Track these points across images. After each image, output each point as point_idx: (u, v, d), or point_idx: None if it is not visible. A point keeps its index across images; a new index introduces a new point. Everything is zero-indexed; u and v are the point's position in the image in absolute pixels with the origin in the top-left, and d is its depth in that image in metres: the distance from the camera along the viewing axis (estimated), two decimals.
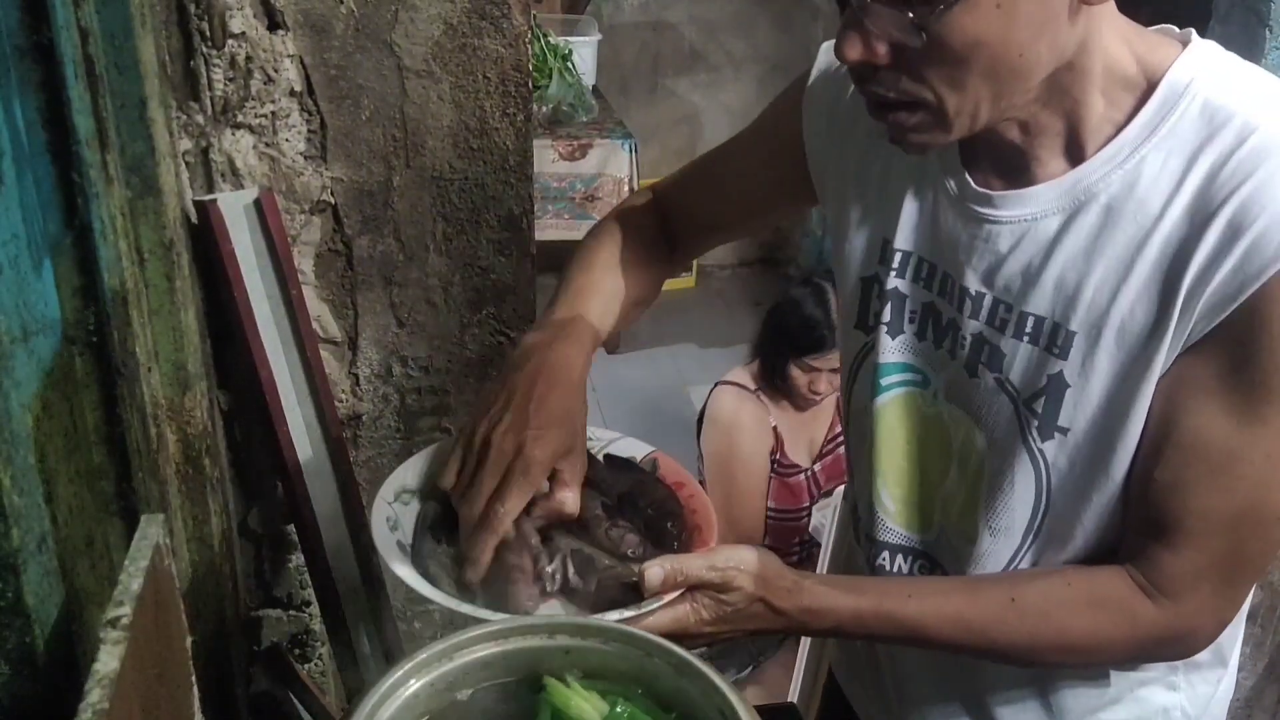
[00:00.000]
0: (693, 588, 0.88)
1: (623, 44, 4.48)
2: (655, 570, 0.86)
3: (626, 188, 3.62)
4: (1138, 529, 0.89)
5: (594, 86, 3.89)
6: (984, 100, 0.81)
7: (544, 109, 3.57)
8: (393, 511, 0.96)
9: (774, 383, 2.39)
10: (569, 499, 0.91)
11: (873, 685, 1.14)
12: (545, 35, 3.62)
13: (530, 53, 1.41)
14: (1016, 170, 0.90)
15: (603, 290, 1.08)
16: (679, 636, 0.88)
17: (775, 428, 2.39)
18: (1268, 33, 1.58)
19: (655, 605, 0.86)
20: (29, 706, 0.66)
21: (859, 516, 1.07)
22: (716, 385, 2.44)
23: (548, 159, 3.50)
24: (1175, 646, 0.93)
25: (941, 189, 0.94)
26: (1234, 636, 1.02)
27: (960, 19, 0.75)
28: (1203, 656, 0.97)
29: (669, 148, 4.71)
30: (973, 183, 0.92)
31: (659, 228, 1.18)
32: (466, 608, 0.86)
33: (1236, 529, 0.86)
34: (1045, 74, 0.82)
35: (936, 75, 0.79)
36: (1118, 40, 0.85)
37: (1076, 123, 0.86)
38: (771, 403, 2.41)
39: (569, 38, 3.74)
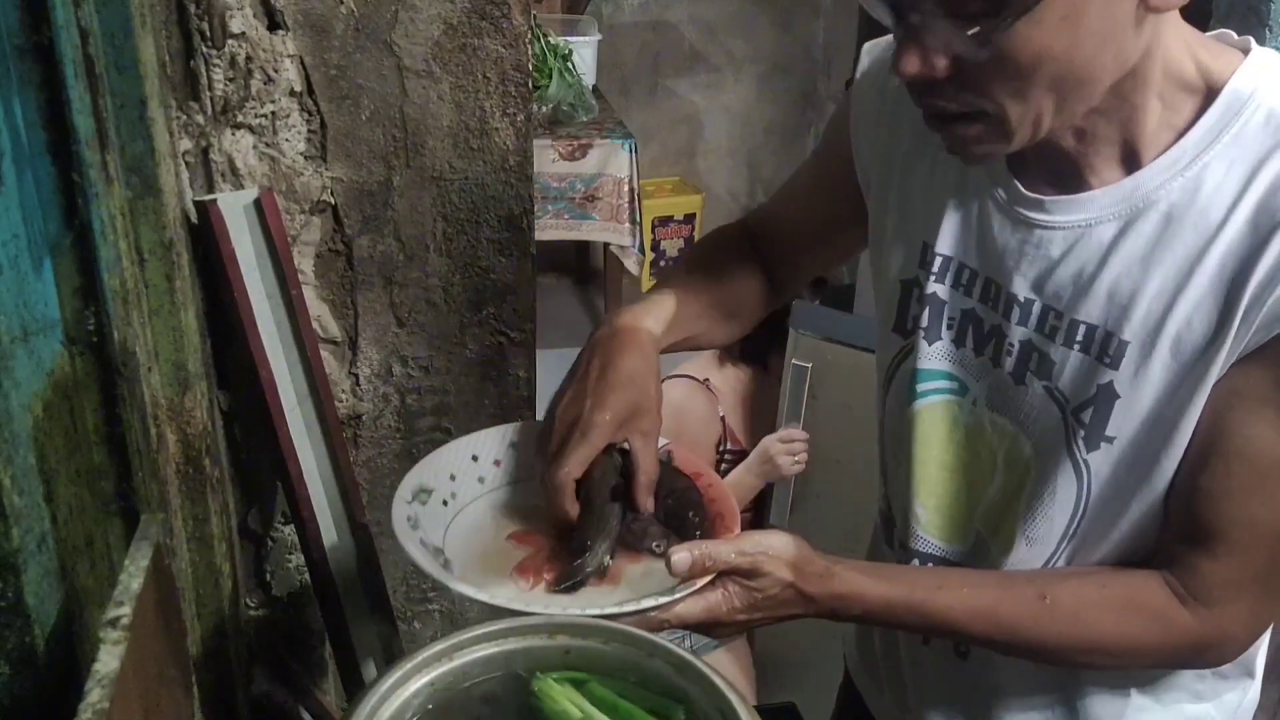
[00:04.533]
0: (722, 574, 0.87)
1: (623, 44, 4.49)
2: (683, 555, 0.85)
3: (626, 188, 3.62)
4: (1178, 536, 0.88)
5: (594, 86, 3.89)
6: (1046, 111, 0.79)
7: (544, 109, 3.57)
8: (412, 511, 0.96)
9: (766, 359, 2.42)
10: (641, 460, 0.95)
11: (891, 687, 1.13)
12: (545, 35, 3.62)
13: (530, 53, 1.41)
14: (1068, 177, 0.88)
15: (683, 285, 1.11)
16: (712, 625, 0.88)
17: (724, 418, 2.42)
18: (1268, 32, 1.58)
19: (686, 593, 0.86)
20: (29, 706, 0.66)
21: (893, 522, 1.06)
22: (665, 380, 2.48)
23: (548, 159, 3.50)
24: (1207, 655, 0.92)
25: (988, 196, 0.93)
26: (1261, 647, 1.01)
27: (1025, 32, 0.73)
28: (1228, 667, 0.96)
29: (669, 148, 4.71)
30: (1021, 187, 0.90)
31: (749, 249, 1.18)
32: (500, 599, 0.86)
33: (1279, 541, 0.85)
34: (1110, 82, 0.80)
35: (1000, 88, 0.78)
36: (1179, 45, 0.83)
37: (1133, 130, 0.85)
38: (723, 391, 2.44)
39: (569, 38, 3.74)
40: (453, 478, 1.02)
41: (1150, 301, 0.84)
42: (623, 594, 0.89)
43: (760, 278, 1.18)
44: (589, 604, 0.86)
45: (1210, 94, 0.83)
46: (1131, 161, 0.86)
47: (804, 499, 2.35)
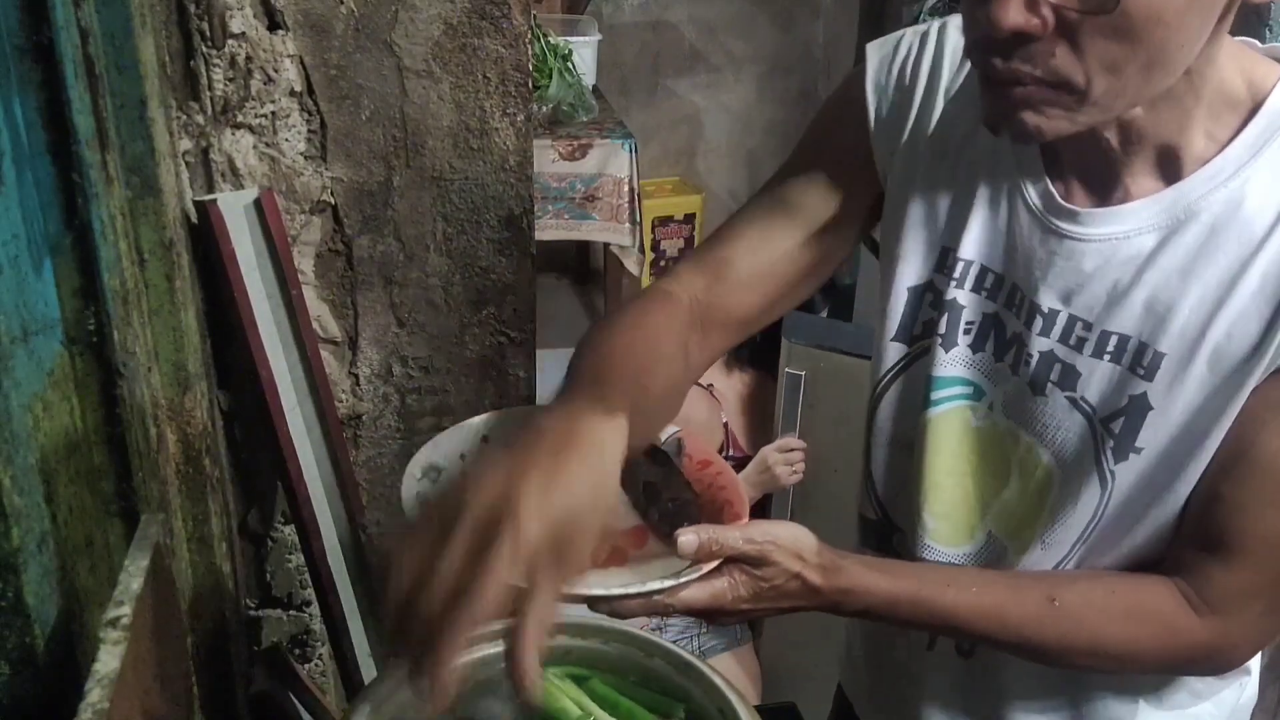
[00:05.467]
0: (728, 561, 0.86)
1: (623, 44, 4.48)
2: (689, 538, 0.83)
3: (626, 188, 3.62)
4: (1193, 543, 0.87)
5: (594, 86, 3.89)
6: (1127, 90, 0.77)
7: (544, 109, 3.56)
8: (422, 488, 0.96)
9: (774, 364, 2.41)
10: (536, 603, 0.65)
11: (891, 698, 1.12)
12: (545, 35, 3.62)
13: (530, 53, 1.41)
14: (1105, 183, 0.87)
15: (626, 365, 0.88)
16: (715, 612, 0.87)
17: (726, 424, 2.42)
18: (1268, 32, 1.58)
19: (692, 577, 0.85)
20: (29, 706, 0.66)
21: (885, 529, 1.05)
22: None
23: (548, 159, 3.50)
24: (1210, 664, 0.92)
25: (1019, 198, 0.91)
26: None
27: None
28: None
29: (669, 148, 4.71)
30: (1057, 195, 0.89)
31: (685, 310, 1.00)
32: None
33: None
34: (1179, 75, 0.79)
35: (1100, 53, 0.74)
36: (1228, 56, 0.82)
37: (1177, 137, 0.83)
38: (728, 396, 2.44)
39: (569, 38, 3.74)
40: (463, 458, 1.02)
41: (1189, 314, 0.83)
42: (626, 577, 0.89)
43: (684, 351, 0.98)
44: (593, 586, 0.86)
45: (1253, 106, 0.83)
46: (1170, 171, 0.85)
47: (802, 509, 2.35)
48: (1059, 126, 0.79)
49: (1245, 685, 1.02)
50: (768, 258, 1.02)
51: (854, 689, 1.19)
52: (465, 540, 0.64)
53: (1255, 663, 1.03)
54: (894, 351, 1.00)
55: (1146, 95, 0.79)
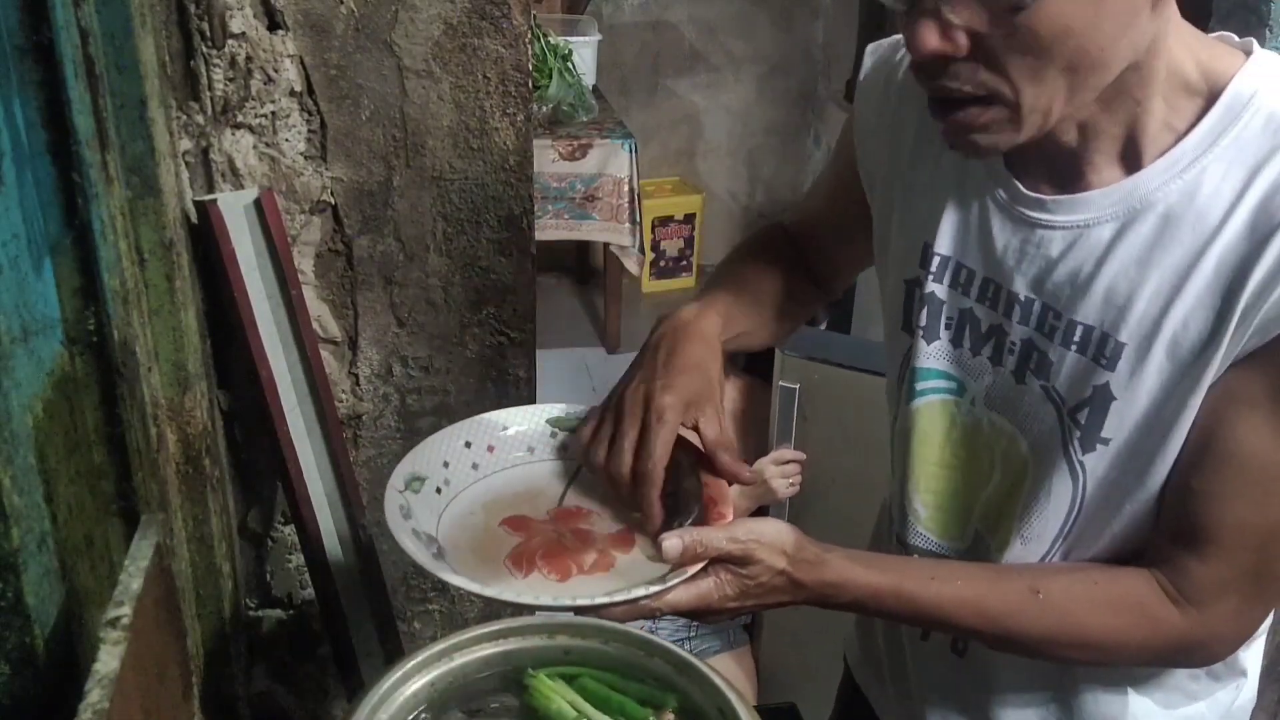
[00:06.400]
0: (714, 561, 0.87)
1: (623, 44, 4.48)
2: (674, 542, 0.85)
3: (626, 188, 3.62)
4: (1168, 536, 0.88)
5: (594, 86, 3.89)
6: (1059, 96, 0.79)
7: (544, 109, 3.57)
8: (405, 500, 0.96)
9: (768, 371, 2.41)
10: (714, 433, 0.96)
11: (893, 679, 1.13)
12: (545, 35, 3.62)
13: (530, 53, 1.42)
14: (1069, 176, 0.88)
15: (735, 282, 1.12)
16: (703, 612, 0.88)
17: None
18: (1268, 32, 1.58)
19: (677, 581, 0.85)
20: (29, 706, 0.66)
21: (892, 518, 1.07)
22: None
23: (548, 159, 3.50)
24: (1194, 655, 0.93)
25: (989, 196, 0.93)
26: (1255, 647, 1.02)
27: (1053, 6, 0.74)
28: (1219, 666, 0.97)
29: (669, 148, 4.71)
30: (1023, 187, 0.90)
31: (793, 247, 1.19)
32: (491, 590, 0.85)
33: (1269, 545, 0.85)
34: (1118, 72, 0.80)
35: (1018, 66, 0.77)
36: (1181, 46, 0.83)
37: (1135, 127, 0.85)
38: (725, 406, 2.44)
39: (569, 38, 3.74)
40: (446, 465, 1.02)
41: (1147, 303, 0.84)
42: (613, 582, 0.89)
43: (805, 276, 1.18)
44: (580, 593, 0.86)
45: (1211, 96, 0.83)
46: (1132, 161, 0.86)
47: (798, 523, 2.33)
48: (1006, 140, 0.82)
49: (1241, 687, 1.02)
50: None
51: (864, 673, 1.20)
52: (630, 426, 0.93)
53: (1253, 665, 1.03)
54: (902, 342, 1.02)
55: (1087, 96, 0.81)
